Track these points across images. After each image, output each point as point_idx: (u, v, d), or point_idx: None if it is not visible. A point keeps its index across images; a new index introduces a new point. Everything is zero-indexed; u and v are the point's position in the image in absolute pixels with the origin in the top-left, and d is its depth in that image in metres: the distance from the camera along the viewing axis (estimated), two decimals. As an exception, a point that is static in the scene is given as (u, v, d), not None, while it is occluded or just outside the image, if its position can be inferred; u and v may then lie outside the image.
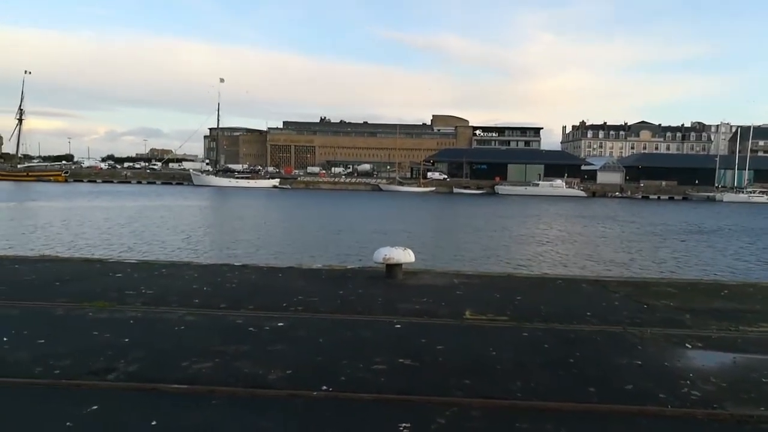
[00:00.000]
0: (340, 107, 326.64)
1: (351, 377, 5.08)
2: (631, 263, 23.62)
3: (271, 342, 6.03)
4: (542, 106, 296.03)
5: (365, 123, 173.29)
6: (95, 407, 4.33)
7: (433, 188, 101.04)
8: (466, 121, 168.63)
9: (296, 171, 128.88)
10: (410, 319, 7.05)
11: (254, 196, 73.03)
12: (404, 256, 9.67)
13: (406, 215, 50.54)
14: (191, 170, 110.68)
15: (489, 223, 42.66)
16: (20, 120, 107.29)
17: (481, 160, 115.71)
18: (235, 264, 11.45)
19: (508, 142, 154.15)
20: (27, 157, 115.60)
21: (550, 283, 10.17)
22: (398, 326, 6.77)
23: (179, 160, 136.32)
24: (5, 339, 5.90)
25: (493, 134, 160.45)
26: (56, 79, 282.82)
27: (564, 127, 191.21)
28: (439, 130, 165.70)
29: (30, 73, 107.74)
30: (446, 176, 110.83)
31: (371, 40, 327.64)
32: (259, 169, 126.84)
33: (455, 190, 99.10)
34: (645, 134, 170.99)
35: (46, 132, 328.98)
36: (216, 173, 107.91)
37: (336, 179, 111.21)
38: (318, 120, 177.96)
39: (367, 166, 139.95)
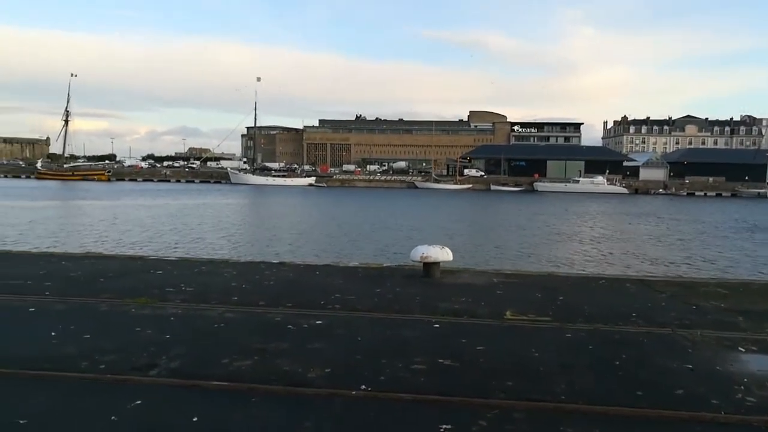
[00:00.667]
0: (375, 105, 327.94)
1: (390, 377, 5.03)
2: (677, 262, 22.94)
3: (310, 340, 6.02)
4: (582, 102, 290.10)
5: (401, 120, 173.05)
6: (138, 402, 4.38)
7: (470, 185, 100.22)
8: (504, 117, 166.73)
9: (332, 169, 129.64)
10: (449, 319, 6.95)
11: (290, 194, 73.81)
12: (442, 254, 9.56)
13: (442, 213, 50.27)
14: (229, 169, 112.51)
15: (528, 221, 42.08)
16: (66, 121, 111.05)
17: (519, 157, 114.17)
18: (273, 261, 11.55)
19: (548, 138, 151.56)
20: (73, 157, 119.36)
21: (593, 282, 9.91)
22: (437, 326, 6.68)
23: (217, 159, 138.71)
24: (54, 334, 6.05)
25: (532, 130, 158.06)
26: (101, 81, 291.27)
27: (605, 123, 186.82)
28: (476, 126, 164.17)
29: (76, 75, 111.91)
30: (483, 173, 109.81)
31: (408, 38, 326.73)
32: (295, 168, 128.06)
33: (493, 187, 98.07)
34: (690, 129, 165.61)
35: (90, 132, 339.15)
36: (253, 172, 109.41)
37: (371, 177, 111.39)
38: (353, 118, 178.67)
39: (402, 164, 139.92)
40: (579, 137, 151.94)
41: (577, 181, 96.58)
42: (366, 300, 7.84)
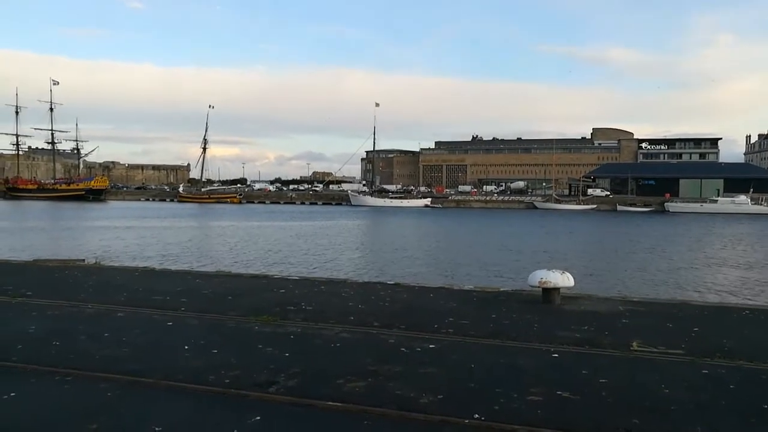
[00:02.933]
0: (492, 124, 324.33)
1: (505, 407, 4.85)
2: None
3: (423, 364, 5.98)
4: (719, 115, 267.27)
5: (519, 139, 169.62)
6: (258, 418, 4.58)
7: (594, 206, 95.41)
8: (630, 134, 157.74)
9: (447, 190, 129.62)
10: (569, 348, 6.60)
11: (407, 215, 74.64)
12: (562, 279, 9.13)
13: (563, 235, 48.27)
14: (349, 191, 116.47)
15: (659, 244, 39.18)
16: (204, 149, 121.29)
17: (648, 175, 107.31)
18: (389, 282, 11.68)
19: (680, 155, 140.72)
20: (209, 182, 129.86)
21: (735, 313, 8.97)
22: (556, 355, 6.37)
23: (338, 182, 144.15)
24: (186, 347, 6.53)
25: (662, 147, 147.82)
26: (235, 111, 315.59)
27: (748, 137, 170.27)
28: (600, 144, 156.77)
29: (213, 107, 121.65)
30: (609, 193, 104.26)
31: (526, 56, 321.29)
32: (412, 189, 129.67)
33: (619, 207, 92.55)
34: None
35: (225, 158, 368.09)
36: (372, 194, 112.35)
37: (488, 197, 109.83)
38: (470, 138, 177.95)
39: (520, 184, 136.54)
40: (716, 153, 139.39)
41: (716, 201, 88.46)
42: (481, 325, 7.67)
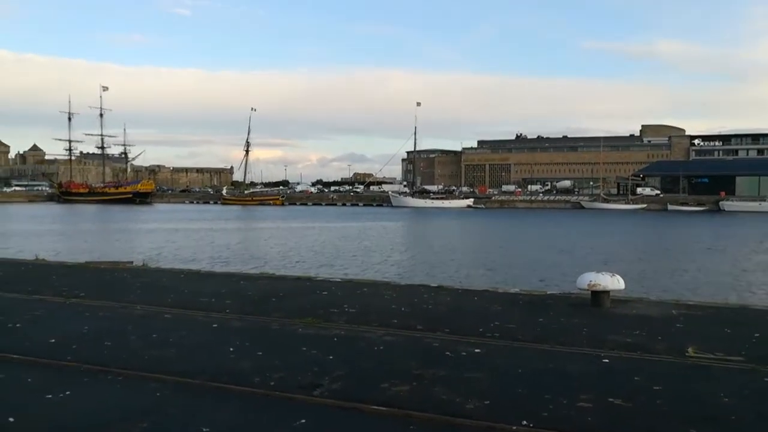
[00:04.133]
0: (537, 122, 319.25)
1: (554, 414, 4.70)
2: None
3: (468, 369, 5.87)
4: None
5: (564, 137, 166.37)
6: (303, 421, 4.57)
7: (644, 205, 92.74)
8: (682, 131, 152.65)
9: (491, 190, 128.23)
10: (620, 354, 6.36)
11: (449, 216, 74.19)
12: (612, 282, 8.83)
13: (612, 235, 47.07)
14: (390, 192, 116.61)
15: (715, 245, 37.72)
16: (247, 151, 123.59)
17: (701, 173, 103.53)
18: (431, 285, 11.57)
19: (736, 152, 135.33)
20: (252, 184, 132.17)
21: (799, 318, 8.48)
22: (606, 360, 6.15)
23: (379, 183, 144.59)
24: (231, 349, 6.61)
25: (716, 143, 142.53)
26: (277, 113, 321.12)
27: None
28: (649, 141, 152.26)
29: (255, 110, 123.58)
30: (659, 192, 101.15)
31: (572, 51, 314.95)
32: (454, 189, 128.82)
33: (670, 207, 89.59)
34: None
35: (267, 161, 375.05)
36: (412, 194, 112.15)
37: (533, 197, 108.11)
38: (513, 137, 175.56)
39: (566, 183, 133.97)
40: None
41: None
42: (527, 329, 7.49)
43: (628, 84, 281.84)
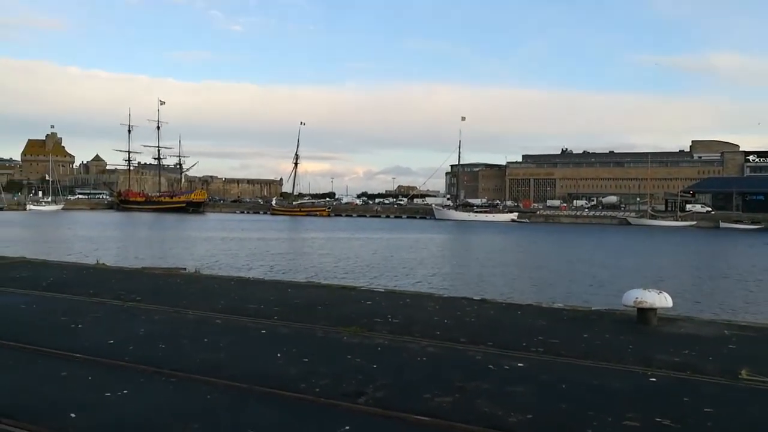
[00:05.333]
0: (583, 137, 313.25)
1: (599, 431, 4.67)
2: None
3: (511, 382, 5.88)
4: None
5: (611, 153, 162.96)
6: (347, 428, 4.68)
7: (694, 222, 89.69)
8: (736, 147, 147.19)
9: (535, 204, 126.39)
10: (668, 373, 6.24)
11: (492, 230, 73.45)
12: (659, 299, 8.65)
13: (660, 252, 45.71)
14: (433, 205, 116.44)
15: (768, 264, 36.13)
16: (296, 164, 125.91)
17: (756, 190, 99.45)
18: (475, 298, 11.55)
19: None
20: (300, 195, 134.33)
21: None
22: (653, 379, 6.05)
23: (423, 196, 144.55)
24: (279, 355, 6.79)
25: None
26: (325, 127, 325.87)
27: None
28: (700, 157, 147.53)
29: (304, 124, 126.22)
30: (710, 209, 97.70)
31: (621, 66, 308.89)
32: (497, 203, 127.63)
33: (722, 224, 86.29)
34: None
35: (315, 173, 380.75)
36: (456, 207, 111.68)
37: (578, 213, 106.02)
38: (559, 152, 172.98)
39: (613, 198, 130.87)
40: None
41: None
42: (571, 345, 7.42)
43: (679, 99, 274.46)
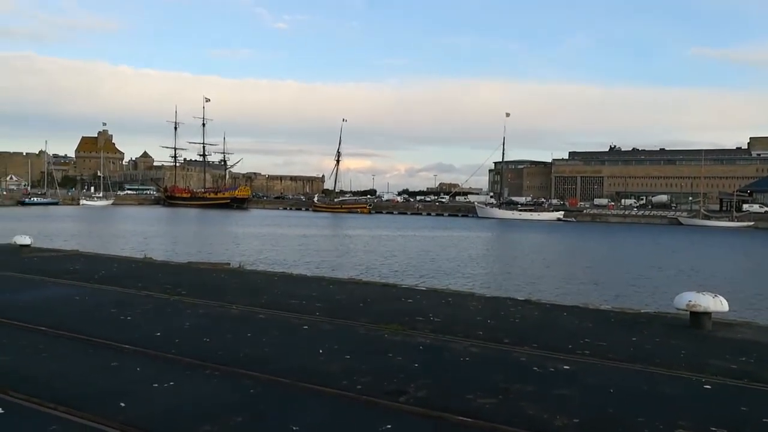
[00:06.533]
0: (632, 133, 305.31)
1: (649, 439, 4.50)
2: None
3: (557, 385, 5.73)
4: None
5: (662, 150, 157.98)
6: (389, 426, 4.64)
7: (751, 223, 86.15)
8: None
9: (582, 203, 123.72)
10: (724, 380, 5.97)
11: (537, 229, 72.29)
12: (714, 303, 8.29)
13: (714, 254, 44.05)
14: (476, 203, 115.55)
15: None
16: (338, 161, 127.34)
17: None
18: (519, 298, 11.37)
19: None
20: (341, 192, 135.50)
21: None
22: (708, 387, 5.79)
23: (465, 193, 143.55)
24: (321, 351, 6.82)
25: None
26: (367, 124, 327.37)
27: None
28: (758, 154, 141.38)
29: (346, 121, 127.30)
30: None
31: (674, 59, 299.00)
32: (543, 202, 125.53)
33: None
34: None
35: (356, 170, 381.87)
36: (499, 206, 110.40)
37: (626, 212, 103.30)
38: (607, 149, 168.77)
39: (663, 197, 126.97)
40: None
41: None
42: (619, 348, 7.19)
43: (737, 92, 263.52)
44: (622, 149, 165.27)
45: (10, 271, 12.91)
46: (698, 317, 8.31)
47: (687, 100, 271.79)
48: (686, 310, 8.41)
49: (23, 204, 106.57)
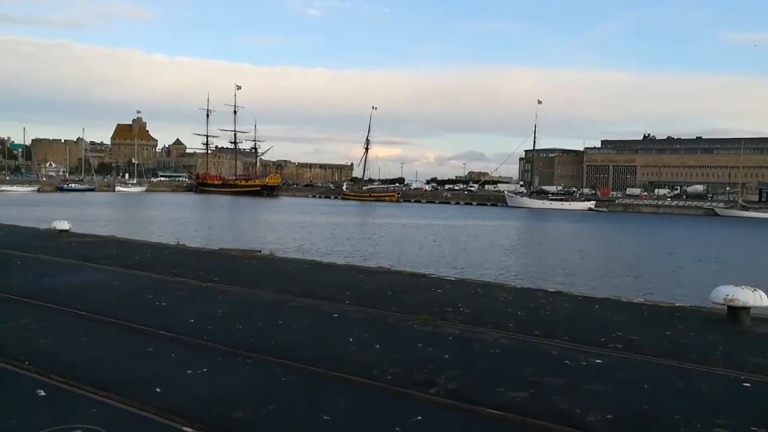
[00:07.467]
0: (667, 122, 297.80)
1: (685, 437, 4.41)
2: None
3: (589, 379, 5.66)
4: None
5: (698, 138, 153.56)
6: (419, 418, 4.65)
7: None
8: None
9: (614, 192, 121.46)
10: (764, 378, 5.81)
11: (568, 219, 71.31)
12: (753, 297, 8.06)
13: (753, 247, 42.85)
14: (506, 192, 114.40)
15: None
16: (367, 149, 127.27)
17: None
18: (549, 290, 11.24)
19: None
20: (370, 180, 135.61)
21: None
22: (747, 384, 5.65)
23: (494, 182, 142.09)
24: (351, 340, 6.85)
25: None
26: (397, 111, 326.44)
27: None
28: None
29: (376, 108, 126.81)
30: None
31: (717, 45, 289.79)
32: (574, 191, 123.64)
33: (824, 217, 79.94)
34: None
35: (385, 158, 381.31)
36: (530, 195, 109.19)
37: (660, 202, 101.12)
38: (641, 137, 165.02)
39: (699, 188, 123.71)
40: None
41: None
42: (653, 343, 7.06)
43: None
44: (657, 138, 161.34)
45: (50, 255, 13.31)
46: (736, 312, 8.10)
47: (726, 88, 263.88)
48: (723, 305, 8.21)
49: (62, 190, 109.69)
